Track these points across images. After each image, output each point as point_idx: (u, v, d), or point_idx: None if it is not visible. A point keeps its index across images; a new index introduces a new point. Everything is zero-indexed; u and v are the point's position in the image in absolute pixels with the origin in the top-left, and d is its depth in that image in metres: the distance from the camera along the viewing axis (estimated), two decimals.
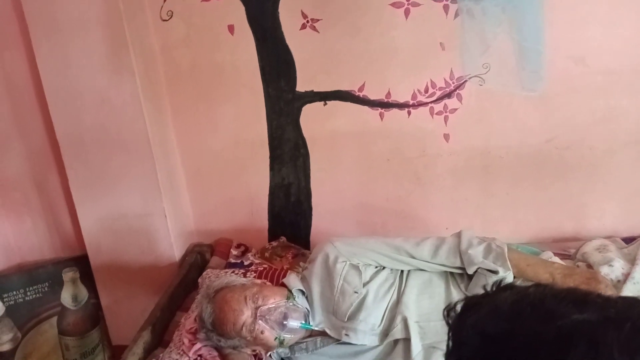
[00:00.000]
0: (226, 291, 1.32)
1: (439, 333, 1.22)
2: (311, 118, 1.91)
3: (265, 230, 2.09)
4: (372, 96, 1.85)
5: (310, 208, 2.04)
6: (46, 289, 2.10)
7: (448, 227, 1.98)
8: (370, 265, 1.37)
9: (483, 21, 1.68)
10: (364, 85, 1.84)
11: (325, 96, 1.87)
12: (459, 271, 1.31)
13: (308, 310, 1.32)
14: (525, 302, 0.48)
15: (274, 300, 1.29)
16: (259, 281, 1.45)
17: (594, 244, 1.77)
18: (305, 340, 1.34)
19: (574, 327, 0.42)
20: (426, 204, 1.98)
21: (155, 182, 1.84)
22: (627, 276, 1.56)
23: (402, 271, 1.37)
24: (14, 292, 2.04)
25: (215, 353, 1.37)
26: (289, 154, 1.96)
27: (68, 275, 2.12)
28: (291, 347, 1.34)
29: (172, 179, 1.94)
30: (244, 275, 1.72)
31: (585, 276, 1.22)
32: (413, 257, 1.34)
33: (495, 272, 1.22)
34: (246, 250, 2.01)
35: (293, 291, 1.34)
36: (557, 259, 1.36)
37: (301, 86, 1.87)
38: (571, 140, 1.83)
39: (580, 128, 1.81)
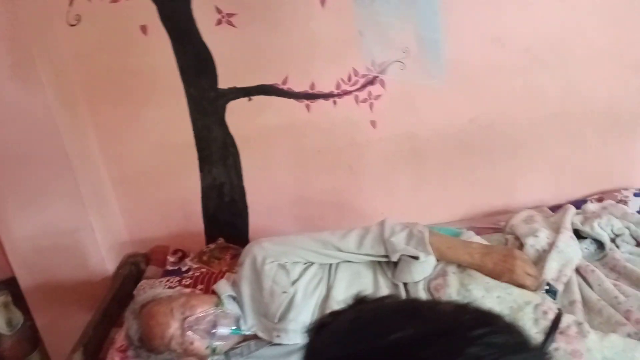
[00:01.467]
0: (152, 305, 1.28)
1: None
2: (237, 115, 1.87)
3: (202, 233, 2.04)
4: (297, 88, 1.82)
5: (245, 206, 2.01)
6: None
7: (384, 212, 2.00)
8: (299, 262, 1.36)
9: (386, 9, 1.67)
10: (287, 78, 1.81)
11: (248, 92, 1.83)
12: (386, 259, 1.32)
13: (239, 315, 1.30)
14: (361, 320, 0.47)
15: (202, 309, 1.26)
16: (187, 290, 1.42)
17: (521, 216, 1.82)
18: (240, 345, 1.32)
19: (396, 345, 0.41)
20: (361, 193, 1.99)
21: (78, 196, 1.76)
22: (552, 245, 1.61)
23: (331, 265, 1.37)
24: None
25: None
26: (217, 154, 1.92)
27: None
28: (226, 353, 1.32)
29: (97, 190, 1.87)
30: (180, 282, 1.68)
31: (502, 253, 1.25)
32: (340, 250, 1.34)
33: (416, 258, 1.24)
34: (184, 255, 1.96)
35: (222, 297, 1.31)
36: (478, 239, 1.38)
37: (223, 83, 1.82)
38: (493, 121, 1.87)
39: (501, 108, 1.86)
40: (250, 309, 1.31)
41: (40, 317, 1.97)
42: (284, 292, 1.28)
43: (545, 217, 1.82)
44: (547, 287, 1.20)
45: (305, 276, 1.33)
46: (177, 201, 1.99)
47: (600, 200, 1.90)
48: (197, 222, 2.03)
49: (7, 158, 1.71)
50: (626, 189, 1.93)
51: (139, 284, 1.75)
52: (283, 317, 1.27)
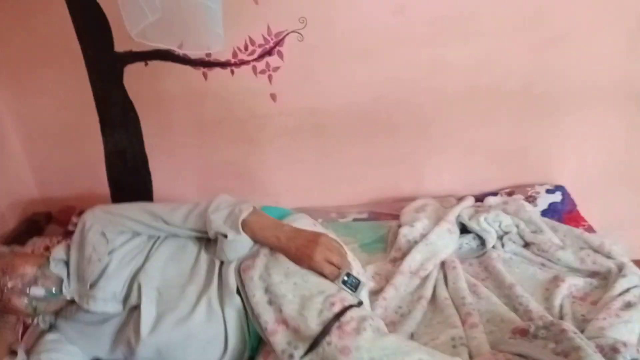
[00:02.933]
0: None
1: (175, 298, 1.19)
2: (135, 80, 1.83)
3: (108, 197, 2.05)
4: (192, 55, 1.76)
5: (148, 173, 1.99)
6: None
7: (288, 189, 1.95)
8: (125, 232, 1.33)
9: None
10: (182, 43, 1.75)
11: (145, 56, 1.79)
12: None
13: (62, 278, 1.29)
14: None
15: (23, 270, 1.26)
16: (26, 249, 1.42)
17: (415, 204, 1.73)
18: (66, 307, 1.32)
19: None
20: (264, 166, 1.93)
21: None
22: (423, 236, 1.52)
23: (158, 238, 1.33)
24: None
25: None
26: (118, 119, 1.90)
27: None
28: (57, 314, 1.33)
29: None
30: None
31: (307, 239, 1.16)
32: (167, 223, 1.30)
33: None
34: None
35: (51, 260, 1.31)
36: (307, 222, 1.30)
37: (119, 46, 1.78)
38: (399, 98, 1.76)
39: (407, 84, 1.73)
40: (74, 273, 1.30)
41: None
42: (99, 259, 1.26)
43: (440, 207, 1.71)
44: (345, 279, 1.12)
45: (125, 247, 1.30)
46: (84, 163, 2.00)
47: (510, 194, 1.77)
48: (103, 186, 2.03)
49: None
50: (542, 184, 1.78)
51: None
52: (94, 285, 1.25)
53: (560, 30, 1.62)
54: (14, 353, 1.25)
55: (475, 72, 1.69)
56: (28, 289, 1.23)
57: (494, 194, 1.78)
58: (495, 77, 1.69)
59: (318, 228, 1.27)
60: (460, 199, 1.77)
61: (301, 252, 1.14)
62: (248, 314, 1.14)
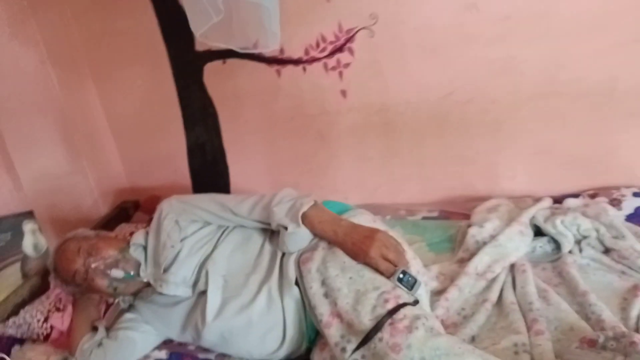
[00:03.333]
0: (68, 242, 1.43)
1: (239, 286, 1.25)
2: (214, 77, 1.93)
3: (189, 188, 2.17)
4: (267, 53, 1.82)
5: (226, 167, 2.09)
6: (9, 238, 2.36)
7: (357, 186, 1.96)
8: (197, 221, 1.40)
9: None
10: (257, 42, 1.82)
11: (222, 54, 1.88)
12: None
13: (140, 262, 1.40)
14: None
15: (106, 253, 1.38)
16: (111, 234, 1.54)
17: (488, 204, 1.68)
18: (143, 289, 1.42)
19: None
20: (333, 163, 1.95)
21: (72, 143, 1.98)
22: (493, 238, 1.47)
23: (227, 227, 1.39)
24: None
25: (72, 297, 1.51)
26: (198, 113, 2.01)
27: (28, 226, 2.36)
28: (135, 295, 1.44)
29: (92, 139, 2.07)
30: None
31: (363, 234, 1.16)
32: (234, 214, 1.35)
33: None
34: None
35: (131, 244, 1.42)
36: (365, 217, 1.30)
37: (199, 45, 1.89)
38: (471, 94, 1.70)
39: (479, 82, 1.68)
40: (150, 258, 1.40)
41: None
42: (172, 246, 1.34)
43: (514, 208, 1.64)
44: (401, 276, 1.10)
45: (196, 235, 1.37)
46: (168, 156, 2.14)
47: (593, 196, 1.66)
48: (184, 178, 2.16)
49: (16, 107, 1.96)
50: (628, 187, 1.64)
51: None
52: (167, 269, 1.33)
53: None
54: (95, 329, 1.37)
55: (552, 70, 1.59)
56: (109, 270, 1.35)
57: (575, 195, 1.67)
58: (574, 75, 1.58)
59: (378, 225, 1.27)
60: (537, 200, 1.68)
61: (357, 247, 1.14)
62: (306, 305, 1.17)
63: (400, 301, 1.05)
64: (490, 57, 1.63)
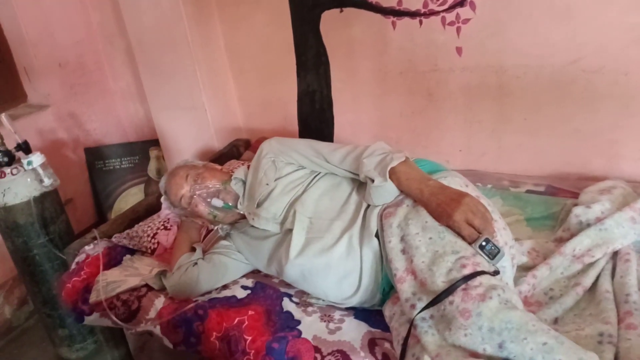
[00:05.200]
0: (179, 168, 1.57)
1: (323, 230, 1.29)
2: (330, 26, 1.94)
3: (297, 134, 2.24)
4: (385, 3, 1.79)
5: (332, 117, 2.12)
6: (137, 161, 2.64)
7: (462, 150, 1.90)
8: (293, 164, 1.46)
9: None
10: None
11: (341, 3, 1.87)
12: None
13: (239, 195, 1.50)
14: None
15: (210, 182, 1.50)
16: (217, 166, 1.65)
17: (602, 185, 1.55)
18: (239, 220, 1.53)
19: None
20: (439, 123, 1.89)
21: (195, 79, 2.12)
22: (599, 220, 1.35)
23: (319, 173, 1.43)
24: (114, 160, 2.62)
25: (179, 219, 1.67)
26: (312, 61, 2.04)
27: (153, 152, 2.63)
28: (232, 225, 1.55)
29: (214, 77, 2.20)
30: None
31: (450, 197, 1.12)
32: (327, 161, 1.38)
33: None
34: None
35: (232, 178, 1.52)
36: (457, 180, 1.24)
37: None
38: (602, 63, 1.54)
39: (614, 48, 1.50)
40: (248, 193, 1.49)
41: None
42: (267, 184, 1.42)
43: (632, 193, 1.49)
44: (483, 244, 1.06)
45: (290, 177, 1.43)
46: (280, 100, 2.22)
47: None
48: (293, 124, 2.23)
49: (152, 41, 2.15)
50: None
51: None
52: (260, 205, 1.42)
53: None
54: (193, 250, 1.51)
55: None
56: (210, 199, 1.46)
57: None
58: None
59: (469, 189, 1.23)
60: None
61: (442, 208, 1.12)
62: (383, 258, 1.19)
63: (479, 269, 1.03)
64: (629, 22, 1.45)
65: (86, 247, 1.64)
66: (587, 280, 1.23)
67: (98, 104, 2.61)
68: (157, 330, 1.39)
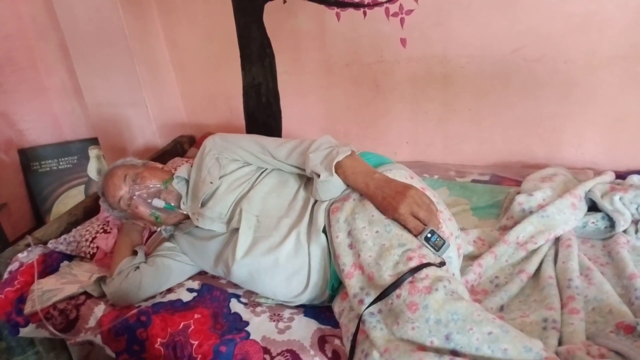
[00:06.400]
0: (116, 168, 1.49)
1: (270, 228, 1.25)
2: (274, 17, 1.90)
3: (243, 129, 2.19)
4: None
5: (279, 110, 2.08)
6: (75, 161, 2.51)
7: (409, 141, 1.90)
8: (238, 161, 1.41)
9: None
10: None
11: None
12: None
13: (181, 195, 1.44)
14: None
15: (150, 182, 1.43)
16: (158, 165, 1.58)
17: (543, 173, 1.58)
18: (183, 221, 1.47)
19: None
20: (386, 114, 1.89)
21: (134, 74, 2.03)
22: (541, 207, 1.38)
23: (265, 169, 1.39)
24: (50, 161, 2.48)
25: (119, 222, 1.59)
26: (256, 53, 1.99)
27: (93, 152, 2.51)
28: (175, 226, 1.49)
29: (155, 72, 2.12)
30: None
31: (395, 190, 1.11)
32: (273, 157, 1.34)
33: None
34: None
35: (174, 177, 1.46)
36: (402, 172, 1.24)
37: None
38: (542, 52, 1.57)
39: (554, 37, 1.53)
40: (191, 192, 1.43)
41: None
42: (211, 182, 1.37)
43: (572, 179, 1.53)
44: (429, 236, 1.06)
45: (235, 174, 1.38)
46: (224, 94, 2.16)
47: None
48: (239, 118, 2.18)
49: (87, 35, 2.04)
50: None
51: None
52: (205, 204, 1.36)
53: None
54: (135, 253, 1.44)
55: (635, 30, 1.43)
56: (151, 199, 1.40)
57: None
58: None
59: (414, 182, 1.22)
60: (599, 173, 1.55)
61: (387, 202, 1.11)
62: (331, 254, 1.17)
63: (425, 261, 1.02)
64: (568, 11, 1.48)
65: (19, 255, 1.54)
66: (531, 266, 1.26)
67: (31, 103, 2.46)
68: (98, 339, 1.31)
